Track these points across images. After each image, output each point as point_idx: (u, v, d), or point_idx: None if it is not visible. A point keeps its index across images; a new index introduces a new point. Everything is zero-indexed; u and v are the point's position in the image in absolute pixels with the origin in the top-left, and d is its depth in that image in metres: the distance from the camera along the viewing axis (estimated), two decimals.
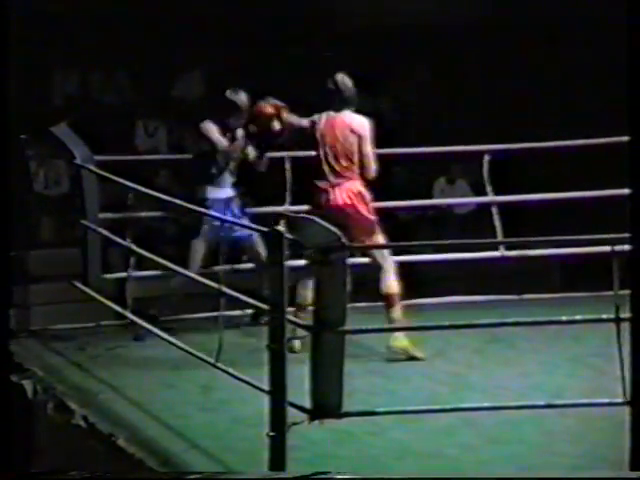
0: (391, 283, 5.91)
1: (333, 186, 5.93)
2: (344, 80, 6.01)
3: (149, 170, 7.40)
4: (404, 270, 6.48)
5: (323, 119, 5.99)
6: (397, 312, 5.88)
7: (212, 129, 6.40)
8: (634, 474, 3.95)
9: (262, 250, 6.34)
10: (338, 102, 5.97)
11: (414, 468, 4.54)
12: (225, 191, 6.44)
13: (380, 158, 6.17)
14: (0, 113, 4.23)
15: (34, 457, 5.40)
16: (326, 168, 5.94)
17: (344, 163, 5.94)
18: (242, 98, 6.38)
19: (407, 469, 4.53)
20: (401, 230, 8.67)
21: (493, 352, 6.02)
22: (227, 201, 6.42)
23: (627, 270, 3.82)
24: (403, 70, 10.47)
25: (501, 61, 10.06)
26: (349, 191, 5.92)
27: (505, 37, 9.96)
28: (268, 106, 6.18)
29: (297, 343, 5.57)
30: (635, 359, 3.77)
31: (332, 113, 5.99)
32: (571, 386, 5.36)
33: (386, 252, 6.00)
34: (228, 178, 6.46)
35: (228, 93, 6.41)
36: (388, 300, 5.89)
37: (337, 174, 5.93)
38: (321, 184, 5.95)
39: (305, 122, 6.08)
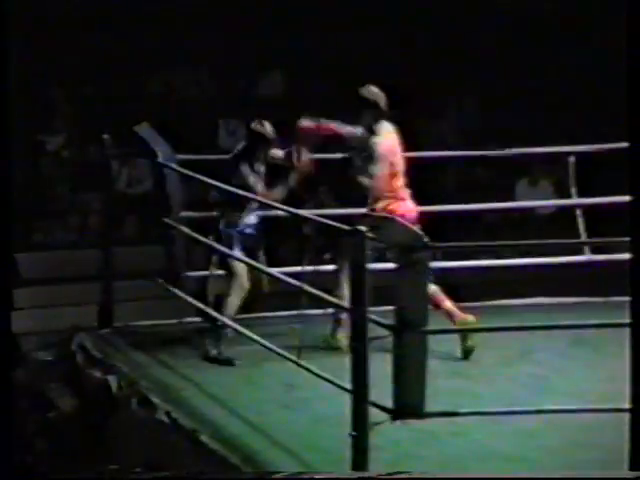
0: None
1: (407, 199, 5.92)
2: (378, 92, 5.87)
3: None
4: (488, 271, 6.46)
5: (383, 134, 5.87)
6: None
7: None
8: (634, 474, 3.92)
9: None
10: (379, 115, 5.86)
11: (496, 470, 4.49)
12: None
13: (462, 159, 6.14)
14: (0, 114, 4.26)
15: (116, 451, 5.47)
16: (399, 183, 5.90)
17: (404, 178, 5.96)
18: (268, 129, 6.19)
19: (489, 471, 4.49)
20: (486, 232, 8.64)
21: (577, 355, 5.94)
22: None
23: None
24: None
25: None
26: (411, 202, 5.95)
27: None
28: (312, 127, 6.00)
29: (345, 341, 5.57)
30: (635, 366, 3.73)
31: (387, 127, 5.89)
32: None
33: None
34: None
35: (253, 125, 6.21)
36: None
37: (405, 189, 5.93)
38: (401, 195, 5.89)
39: (350, 130, 5.93)
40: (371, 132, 5.89)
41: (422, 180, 6.04)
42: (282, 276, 5.59)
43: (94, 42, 10.07)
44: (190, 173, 6.41)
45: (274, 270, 6.00)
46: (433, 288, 5.81)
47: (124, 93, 10.01)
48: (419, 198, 6.06)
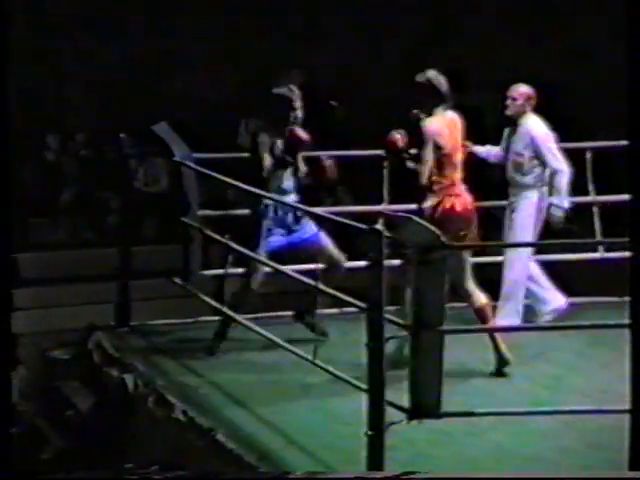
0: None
1: (462, 193, 5.63)
2: (438, 77, 5.62)
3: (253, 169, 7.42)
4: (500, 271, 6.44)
5: (439, 120, 5.56)
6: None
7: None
8: (634, 474, 3.93)
9: (332, 250, 6.06)
10: (439, 101, 5.60)
11: (513, 471, 4.48)
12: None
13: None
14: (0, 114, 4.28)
15: (133, 450, 5.48)
16: (453, 175, 5.59)
17: (461, 168, 5.67)
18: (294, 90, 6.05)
19: (505, 471, 4.48)
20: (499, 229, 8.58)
21: (594, 354, 5.91)
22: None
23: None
24: None
25: None
26: (469, 196, 5.69)
27: None
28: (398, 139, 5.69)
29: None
30: (636, 366, 3.71)
31: (443, 113, 5.59)
32: None
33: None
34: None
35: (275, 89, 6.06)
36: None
37: (462, 180, 5.65)
38: (452, 190, 5.58)
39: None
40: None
41: None
42: (297, 275, 5.58)
43: (114, 42, 10.10)
44: (207, 171, 6.42)
45: (288, 268, 5.99)
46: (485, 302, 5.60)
47: (143, 93, 10.03)
48: None
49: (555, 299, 6.50)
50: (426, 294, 4.42)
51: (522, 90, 6.47)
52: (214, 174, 6.30)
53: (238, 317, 5.96)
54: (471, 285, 5.65)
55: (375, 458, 4.32)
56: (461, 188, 5.66)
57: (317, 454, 4.63)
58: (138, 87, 10.05)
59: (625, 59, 3.78)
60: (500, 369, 5.58)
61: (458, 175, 5.65)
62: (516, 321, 6.29)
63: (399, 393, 4.40)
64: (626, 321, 4.85)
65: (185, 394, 5.41)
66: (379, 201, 6.81)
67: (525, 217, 6.42)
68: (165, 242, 8.35)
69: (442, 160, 5.58)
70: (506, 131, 6.60)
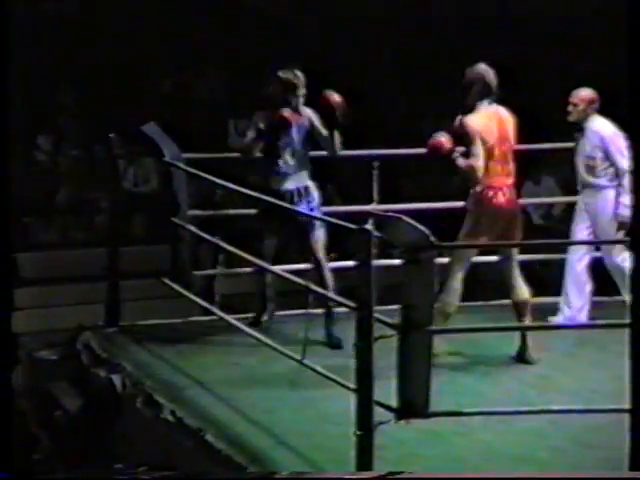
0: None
1: (507, 186, 5.66)
2: (488, 71, 5.68)
3: (243, 169, 7.41)
4: (489, 270, 6.45)
5: (480, 115, 5.62)
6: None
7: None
8: (634, 474, 3.93)
9: (318, 245, 6.02)
10: (486, 95, 5.64)
11: (501, 470, 4.48)
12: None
13: None
14: (0, 114, 4.28)
15: (122, 450, 5.47)
16: (497, 168, 5.62)
17: (511, 162, 5.69)
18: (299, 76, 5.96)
19: (494, 471, 4.49)
20: None
21: (583, 354, 5.92)
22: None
23: None
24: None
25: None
26: (514, 191, 5.72)
27: None
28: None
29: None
30: (635, 366, 3.71)
31: (487, 107, 5.65)
32: None
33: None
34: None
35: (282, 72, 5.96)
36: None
37: (508, 174, 5.67)
38: (494, 184, 5.62)
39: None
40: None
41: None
42: (288, 275, 5.59)
43: (104, 43, 10.10)
44: (196, 172, 6.41)
45: (278, 268, 5.99)
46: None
47: (132, 93, 10.02)
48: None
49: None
50: (415, 294, 4.42)
51: (583, 95, 6.39)
52: (203, 174, 6.29)
53: (227, 317, 5.97)
54: (517, 278, 5.76)
55: (364, 458, 4.32)
56: (506, 181, 5.69)
57: (306, 454, 4.63)
58: (127, 87, 10.05)
59: (625, 59, 3.78)
60: (520, 356, 5.73)
61: (504, 168, 5.68)
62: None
63: (388, 393, 4.39)
64: (614, 321, 4.87)
65: (174, 394, 5.40)
66: (369, 201, 6.81)
67: (608, 218, 6.36)
68: (155, 242, 8.35)
69: (486, 153, 5.61)
70: (576, 137, 6.51)
